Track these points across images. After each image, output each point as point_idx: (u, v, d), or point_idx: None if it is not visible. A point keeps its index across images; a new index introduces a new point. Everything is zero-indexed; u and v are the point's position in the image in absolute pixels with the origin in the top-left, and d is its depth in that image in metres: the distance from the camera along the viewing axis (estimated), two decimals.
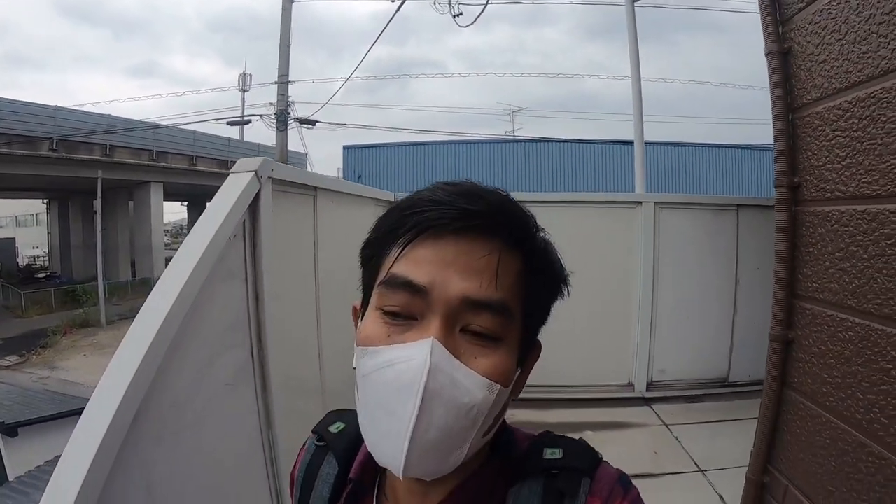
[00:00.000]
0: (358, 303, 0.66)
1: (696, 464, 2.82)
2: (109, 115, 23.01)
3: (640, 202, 3.61)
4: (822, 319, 1.59)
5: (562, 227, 3.15)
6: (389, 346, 0.55)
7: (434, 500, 0.61)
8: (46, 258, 34.24)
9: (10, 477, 7.33)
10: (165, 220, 31.87)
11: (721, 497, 2.48)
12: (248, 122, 14.74)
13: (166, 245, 30.27)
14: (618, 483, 0.59)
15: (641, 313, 3.66)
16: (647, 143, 4.01)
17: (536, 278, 0.59)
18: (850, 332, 1.46)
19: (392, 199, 3.85)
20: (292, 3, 11.31)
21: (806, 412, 1.64)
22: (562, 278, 0.63)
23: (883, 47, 1.32)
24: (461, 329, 0.55)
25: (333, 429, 0.73)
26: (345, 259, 2.86)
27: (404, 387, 0.52)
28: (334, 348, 2.71)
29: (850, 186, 1.47)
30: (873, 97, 1.36)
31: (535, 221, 0.62)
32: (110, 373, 1.30)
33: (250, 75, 23.41)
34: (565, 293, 0.64)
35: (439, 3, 9.49)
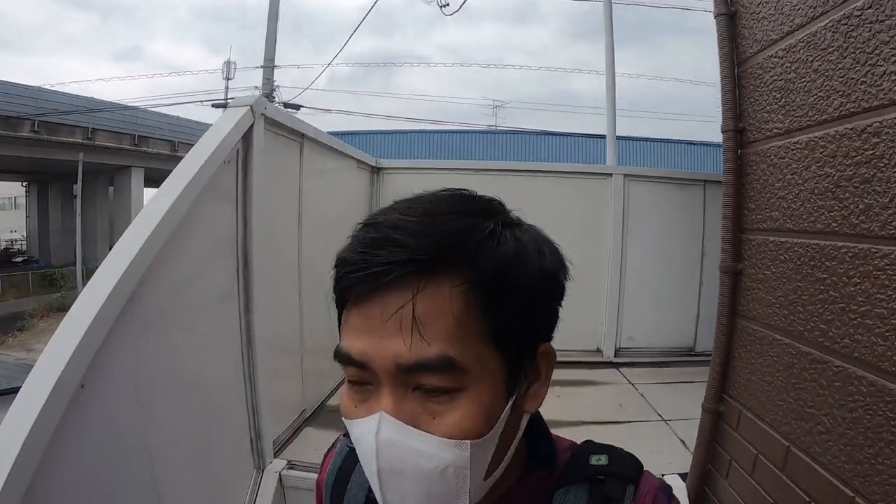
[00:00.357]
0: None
1: (658, 414, 2.95)
2: (92, 97, 22.88)
3: (611, 174, 3.77)
4: (766, 246, 1.75)
5: (534, 196, 3.37)
6: (355, 420, 0.54)
7: None
8: (24, 242, 33.75)
9: None
10: None
11: (683, 441, 2.60)
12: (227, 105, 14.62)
13: None
14: (661, 491, 0.59)
15: (610, 282, 3.80)
16: (621, 138, 4.13)
17: (494, 295, 0.51)
18: (790, 252, 1.60)
19: (374, 164, 3.97)
20: None
21: (754, 335, 1.79)
22: (550, 270, 0.57)
23: None
24: (415, 388, 0.51)
25: None
26: (329, 211, 2.99)
27: (367, 464, 0.52)
28: (315, 280, 2.80)
29: (785, 123, 1.62)
30: (802, 42, 1.52)
31: (488, 224, 0.53)
32: (101, 271, 1.40)
33: (234, 63, 23.15)
34: (565, 276, 0.59)
35: None
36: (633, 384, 3.46)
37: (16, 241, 35.52)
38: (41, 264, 27.20)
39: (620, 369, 3.71)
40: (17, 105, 20.32)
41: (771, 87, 1.70)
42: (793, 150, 1.59)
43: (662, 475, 2.05)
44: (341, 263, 0.53)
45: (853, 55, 1.28)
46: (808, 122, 1.51)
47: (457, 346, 0.49)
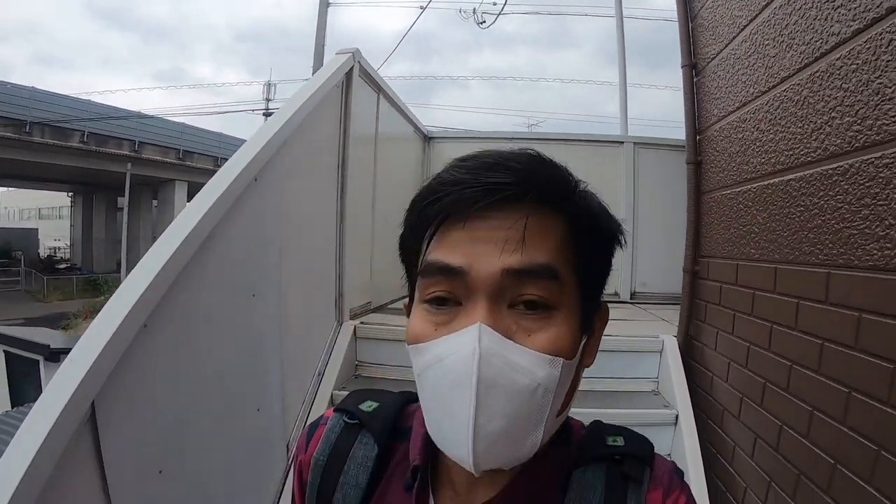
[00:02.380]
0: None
1: (662, 319, 3.45)
2: (139, 111, 24.10)
3: (622, 142, 4.41)
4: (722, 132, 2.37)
5: (560, 159, 4.14)
6: (436, 339, 0.52)
7: (500, 483, 0.57)
8: (68, 250, 35.14)
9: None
10: None
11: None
12: None
13: None
14: (674, 474, 0.59)
15: (624, 234, 4.36)
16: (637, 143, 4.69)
17: (584, 237, 0.55)
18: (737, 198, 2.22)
19: (426, 132, 4.64)
20: (328, 6, 12.47)
21: (712, 202, 2.37)
22: (613, 230, 0.59)
23: (748, 86, 2.02)
24: (510, 305, 0.51)
25: (365, 407, 0.67)
26: (393, 166, 3.64)
27: (457, 382, 0.49)
28: (386, 231, 3.38)
29: (731, 177, 2.20)
30: (743, 118, 2.08)
31: (572, 177, 0.57)
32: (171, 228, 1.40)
33: (275, 85, 24.44)
34: (622, 242, 0.60)
35: (464, 12, 10.61)
36: (644, 308, 4.01)
37: (59, 248, 37.02)
38: (84, 272, 28.32)
39: (636, 304, 4.29)
40: (68, 116, 21.48)
41: (722, 149, 2.30)
42: (730, 199, 2.20)
43: (661, 338, 2.66)
44: (444, 183, 0.53)
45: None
46: (738, 180, 2.12)
47: (558, 262, 0.52)
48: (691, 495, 0.59)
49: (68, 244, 35.06)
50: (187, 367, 1.42)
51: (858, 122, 1.34)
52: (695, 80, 2.55)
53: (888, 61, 1.23)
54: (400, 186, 3.71)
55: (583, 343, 0.55)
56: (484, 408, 0.48)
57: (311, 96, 2.24)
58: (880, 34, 1.25)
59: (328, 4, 12.83)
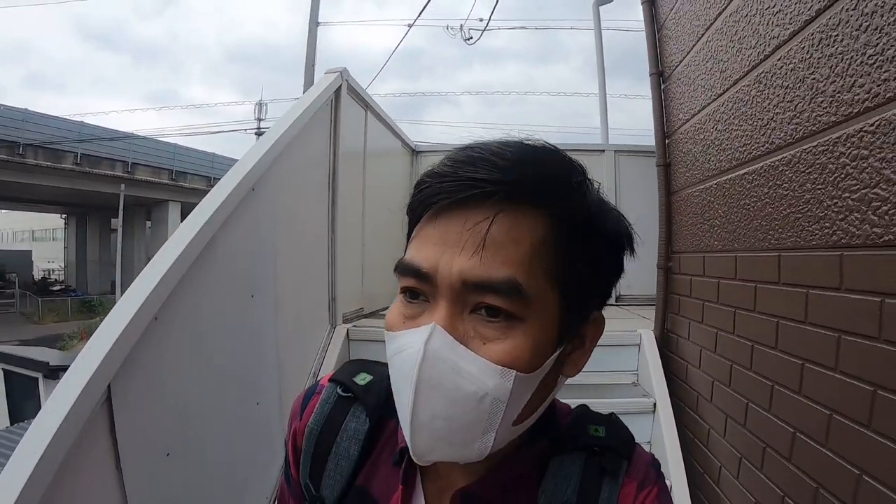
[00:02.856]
0: None
1: (643, 317, 3.54)
2: (132, 133, 24.18)
3: (603, 150, 4.56)
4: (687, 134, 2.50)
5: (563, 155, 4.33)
6: (401, 331, 0.52)
7: (478, 472, 0.58)
8: (62, 272, 35.04)
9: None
10: None
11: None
12: None
13: None
14: (651, 467, 0.60)
15: None
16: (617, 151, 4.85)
17: (573, 241, 0.51)
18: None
19: (413, 146, 4.77)
20: (318, 25, 12.69)
21: (681, 201, 2.50)
22: (614, 235, 0.56)
23: (706, 90, 2.17)
24: (472, 310, 0.50)
25: (360, 380, 0.67)
26: (381, 182, 3.75)
27: (405, 377, 0.50)
28: (376, 239, 3.55)
29: (695, 176, 2.35)
30: (703, 120, 2.22)
31: (578, 177, 0.53)
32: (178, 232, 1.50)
33: (266, 104, 24.64)
34: (631, 249, 0.58)
35: (451, 29, 10.84)
36: (626, 309, 4.13)
37: (53, 270, 36.93)
38: (78, 293, 28.23)
39: (621, 306, 4.40)
40: (60, 137, 21.55)
41: (687, 150, 2.46)
42: (696, 196, 2.35)
43: (639, 332, 2.77)
44: (429, 175, 0.52)
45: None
46: (702, 178, 2.26)
47: (526, 274, 0.48)
48: (664, 488, 0.59)
49: (62, 266, 35.00)
50: (193, 359, 1.51)
51: (797, 115, 1.47)
52: (662, 86, 2.70)
53: (819, 58, 1.36)
54: (389, 198, 3.82)
55: (555, 354, 0.53)
56: (424, 407, 0.49)
57: (301, 114, 2.36)
58: (811, 34, 1.39)
59: (318, 24, 13.07)
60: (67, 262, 33.25)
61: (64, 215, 33.20)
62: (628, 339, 2.80)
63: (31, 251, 36.88)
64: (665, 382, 2.53)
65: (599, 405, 2.44)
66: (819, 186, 1.39)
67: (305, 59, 12.73)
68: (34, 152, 20.97)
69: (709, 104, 2.13)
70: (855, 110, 1.23)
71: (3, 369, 9.84)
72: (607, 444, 0.60)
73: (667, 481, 0.61)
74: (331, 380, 0.69)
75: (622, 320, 3.45)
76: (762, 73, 1.67)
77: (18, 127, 20.33)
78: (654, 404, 2.47)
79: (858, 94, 1.21)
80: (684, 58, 2.38)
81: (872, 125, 1.16)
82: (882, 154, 1.13)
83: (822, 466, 1.35)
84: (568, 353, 0.56)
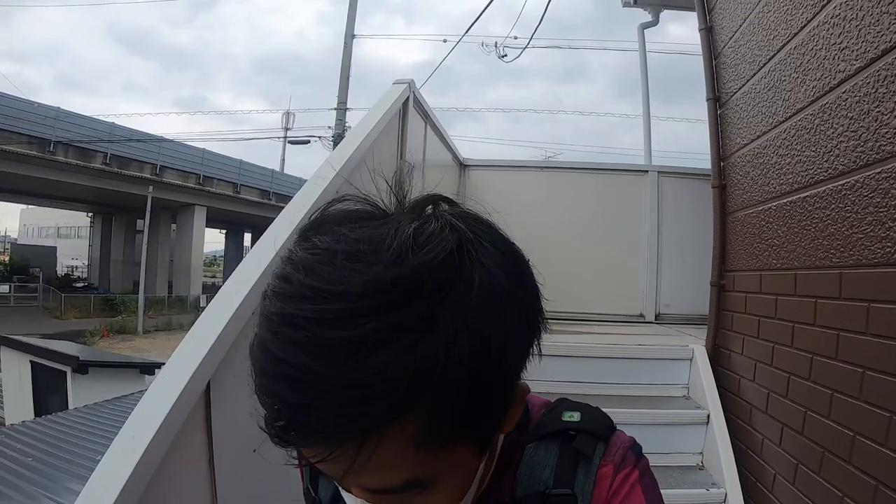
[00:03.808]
0: None
1: (688, 334, 3.64)
2: (161, 136, 24.83)
3: (647, 171, 4.71)
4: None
5: (585, 189, 4.49)
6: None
7: None
8: (85, 269, 35.94)
9: (71, 407, 8.40)
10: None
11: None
12: (307, 141, 16.22)
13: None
14: (630, 450, 0.59)
15: (649, 261, 4.55)
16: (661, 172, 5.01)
17: (462, 410, 0.45)
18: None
19: (462, 160, 4.98)
20: (353, 38, 13.13)
21: (736, 222, 2.67)
22: (510, 349, 0.48)
23: (767, 117, 2.35)
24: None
25: None
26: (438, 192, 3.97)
27: None
28: None
29: (753, 198, 2.53)
30: (763, 145, 2.41)
31: (429, 345, 0.42)
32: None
33: (293, 114, 25.32)
34: (538, 313, 0.52)
35: (486, 45, 11.14)
36: (668, 326, 4.26)
37: (76, 267, 37.94)
38: (100, 291, 29.02)
39: (661, 324, 4.53)
40: (91, 137, 22.31)
41: (744, 174, 2.65)
42: (752, 219, 2.51)
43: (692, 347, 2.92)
44: (269, 409, 0.44)
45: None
46: (759, 200, 2.45)
47: (423, 465, 0.45)
48: (648, 470, 0.59)
49: (86, 263, 35.92)
50: None
51: (861, 144, 1.65)
52: (718, 112, 2.88)
53: (884, 93, 1.54)
54: None
55: (482, 464, 0.53)
56: None
57: (376, 124, 2.49)
58: (877, 71, 1.57)
59: (353, 36, 13.51)
60: (91, 259, 34.15)
61: (90, 214, 34.10)
62: (680, 353, 2.96)
63: (55, 247, 37.85)
64: (717, 395, 2.68)
65: (650, 416, 2.64)
66: (882, 210, 1.56)
67: (341, 70, 13.14)
68: (64, 150, 21.71)
69: (769, 130, 2.31)
70: None
71: (31, 361, 10.16)
72: (581, 428, 0.60)
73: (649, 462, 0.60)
74: None
75: (667, 336, 3.60)
76: (826, 103, 1.85)
77: (50, 125, 21.08)
78: (708, 416, 2.62)
79: None
80: (744, 85, 2.57)
81: None
82: None
83: (882, 464, 1.51)
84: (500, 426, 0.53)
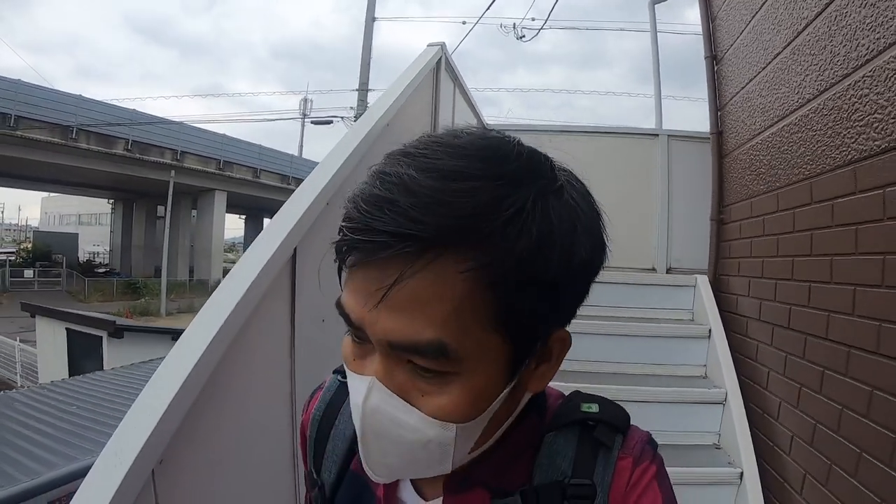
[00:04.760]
0: None
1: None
2: (182, 122, 25.55)
3: (657, 134, 5.09)
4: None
5: (598, 152, 4.94)
6: (351, 373, 0.54)
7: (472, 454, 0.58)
8: (107, 255, 36.97)
9: (106, 368, 9.12)
10: None
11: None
12: (330, 121, 16.68)
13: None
14: (647, 444, 0.60)
15: (660, 217, 4.86)
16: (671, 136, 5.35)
17: (511, 292, 0.47)
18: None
19: (484, 124, 5.38)
20: (374, 20, 13.55)
21: (733, 163, 3.08)
22: (574, 265, 0.50)
23: (752, 66, 2.87)
24: (408, 360, 0.49)
25: None
26: None
27: (355, 423, 0.53)
28: None
29: (743, 137, 2.97)
30: (750, 90, 2.73)
31: (522, 204, 0.46)
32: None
33: (311, 100, 25.80)
34: (600, 262, 0.55)
35: (504, 27, 11.52)
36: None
37: (97, 253, 39.01)
38: (122, 276, 29.83)
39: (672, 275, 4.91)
40: (113, 122, 22.89)
41: (738, 117, 3.09)
42: (746, 154, 2.91)
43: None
44: (346, 218, 0.48)
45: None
46: (750, 135, 2.82)
47: (454, 332, 0.46)
48: (662, 466, 0.59)
49: (107, 249, 36.93)
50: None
51: (821, 74, 2.09)
52: (715, 68, 3.31)
53: (835, 30, 1.98)
54: None
55: (506, 391, 0.52)
56: (374, 450, 0.52)
57: (409, 82, 2.56)
58: (829, 13, 2.00)
59: (374, 19, 13.92)
60: (113, 245, 35.09)
61: (111, 200, 34.94)
62: (685, 281, 3.40)
63: (77, 234, 38.93)
64: (719, 315, 3.11)
65: (659, 330, 3.09)
66: (837, 123, 1.99)
67: (362, 52, 13.58)
68: (86, 137, 22.33)
69: (754, 77, 2.76)
70: (858, 64, 1.84)
71: (66, 329, 10.83)
72: (601, 418, 0.60)
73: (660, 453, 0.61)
74: (334, 372, 0.73)
75: (676, 275, 4.02)
76: (796, 45, 2.30)
77: (71, 112, 21.74)
78: (709, 331, 3.06)
79: (854, 54, 1.82)
80: (734, 41, 3.02)
81: (870, 73, 1.77)
82: (877, 90, 1.74)
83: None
84: (533, 368, 0.55)
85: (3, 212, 48.77)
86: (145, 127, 23.68)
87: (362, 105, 13.55)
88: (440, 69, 3.32)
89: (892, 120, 1.66)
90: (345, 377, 0.60)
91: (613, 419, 0.61)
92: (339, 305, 0.52)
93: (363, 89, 13.63)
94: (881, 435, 1.68)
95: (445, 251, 0.45)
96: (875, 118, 1.74)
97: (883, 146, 1.70)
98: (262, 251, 1.28)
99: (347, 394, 0.58)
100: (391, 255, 0.44)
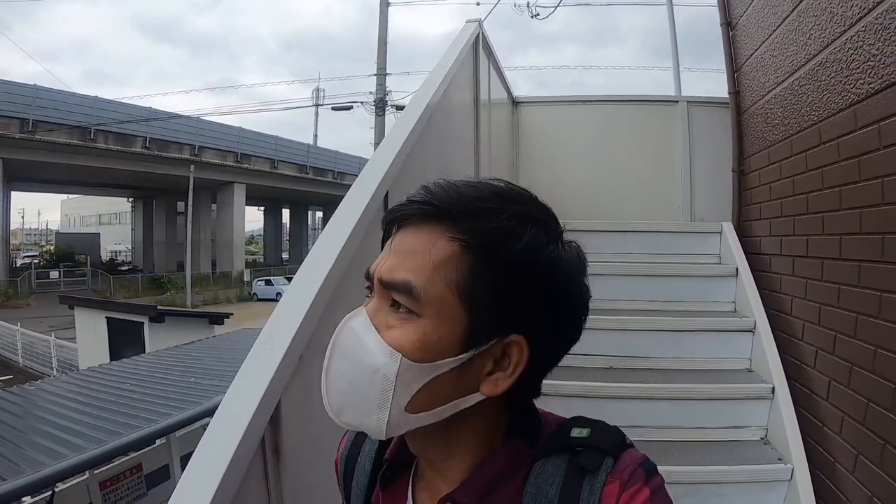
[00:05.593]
0: None
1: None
2: (198, 117, 26.10)
3: (678, 101, 5.35)
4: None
5: (624, 118, 5.30)
6: None
7: (454, 478, 0.66)
8: (129, 254, 37.92)
9: (148, 350, 9.78)
10: None
11: None
12: (350, 107, 17.08)
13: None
14: (640, 468, 0.61)
15: (682, 177, 5.06)
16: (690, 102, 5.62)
17: (478, 266, 0.60)
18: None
19: (514, 97, 5.70)
20: (389, 5, 13.91)
21: (751, 118, 3.46)
22: (532, 268, 0.60)
23: (764, 29, 3.23)
24: (392, 304, 0.62)
25: None
26: (492, 128, 4.09)
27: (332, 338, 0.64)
28: None
29: (758, 94, 3.32)
30: (763, 51, 3.28)
31: (496, 205, 0.61)
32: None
33: (323, 90, 26.29)
34: (562, 304, 0.63)
35: (518, 6, 11.78)
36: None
37: (119, 252, 40.03)
38: (145, 273, 30.56)
39: None
40: (131, 119, 23.57)
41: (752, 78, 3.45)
42: (761, 109, 3.31)
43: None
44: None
45: None
46: (765, 94, 3.20)
47: (423, 280, 0.59)
48: (661, 489, 0.60)
49: (129, 248, 37.89)
50: None
51: (822, 32, 2.46)
52: (730, 34, 3.69)
53: None
54: (498, 151, 4.35)
55: (455, 358, 0.60)
56: (334, 367, 0.63)
57: (455, 58, 2.74)
58: None
59: (388, 4, 14.24)
60: (134, 243, 36.15)
61: (131, 199, 35.81)
62: (711, 228, 3.80)
63: (98, 234, 39.99)
64: (744, 257, 3.49)
65: (688, 270, 3.50)
66: (841, 73, 2.37)
67: (378, 37, 13.93)
68: (105, 137, 23.00)
69: (766, 39, 3.14)
70: (853, 21, 2.23)
71: (106, 317, 11.51)
72: (588, 444, 0.63)
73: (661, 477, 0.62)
74: None
75: (703, 224, 4.37)
76: (801, 8, 2.68)
77: (89, 113, 22.38)
78: (736, 269, 3.44)
79: (849, 13, 2.20)
80: (748, 7, 3.39)
81: (863, 28, 2.15)
82: (869, 41, 2.12)
83: None
84: (489, 371, 0.62)
85: (23, 216, 49.79)
86: (162, 124, 24.30)
87: (381, 89, 13.92)
88: (478, 47, 3.54)
89: (882, 65, 2.04)
90: None
91: (601, 443, 0.63)
92: (366, 271, 0.66)
93: (381, 73, 14.00)
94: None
95: (445, 222, 0.61)
96: (868, 65, 2.13)
97: (876, 87, 2.08)
98: (361, 195, 1.53)
99: (366, 436, 0.76)
100: (406, 222, 0.63)
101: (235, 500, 0.90)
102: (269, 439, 1.03)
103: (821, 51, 2.52)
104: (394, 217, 0.65)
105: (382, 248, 0.66)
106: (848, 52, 2.29)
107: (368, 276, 0.65)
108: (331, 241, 1.35)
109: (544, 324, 0.62)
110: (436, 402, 0.61)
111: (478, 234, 0.60)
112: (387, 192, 1.66)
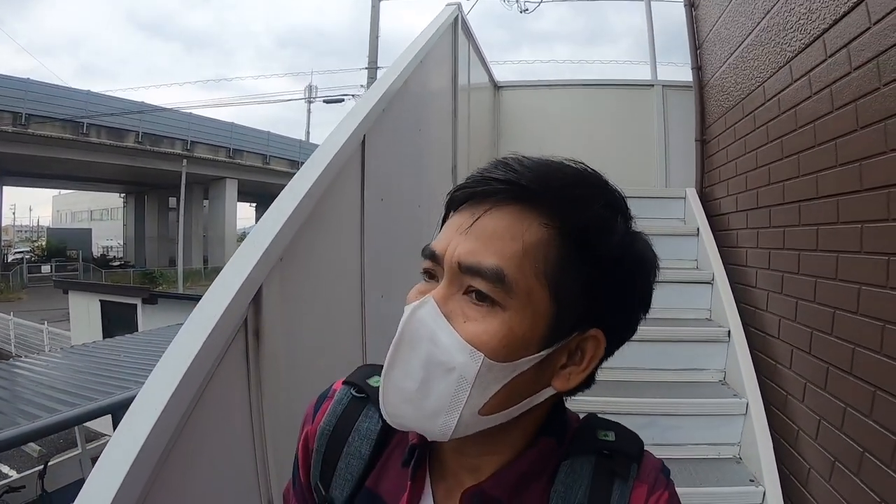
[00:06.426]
0: None
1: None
2: (190, 113, 26.20)
3: (653, 85, 5.55)
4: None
5: (603, 101, 5.54)
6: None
7: (485, 473, 0.63)
8: (120, 249, 37.98)
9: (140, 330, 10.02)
10: None
11: None
12: (342, 100, 17.28)
13: None
14: (661, 473, 0.63)
15: (659, 156, 5.25)
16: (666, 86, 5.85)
17: (570, 255, 0.56)
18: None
19: (496, 82, 5.97)
20: (380, 0, 14.16)
21: (713, 100, 3.72)
22: (625, 262, 0.59)
23: (717, 9, 3.49)
24: (465, 291, 0.56)
25: (373, 382, 0.69)
26: (473, 112, 4.14)
27: (399, 327, 0.57)
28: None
29: (716, 65, 3.58)
30: (719, 26, 3.54)
31: (589, 191, 0.59)
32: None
33: (316, 87, 26.43)
34: (639, 300, 0.62)
35: (507, 1, 11.99)
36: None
37: (111, 247, 40.08)
38: (137, 268, 30.59)
39: None
40: (123, 112, 23.52)
41: (711, 52, 3.70)
42: (719, 84, 3.59)
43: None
44: (466, 178, 0.60)
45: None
46: (723, 68, 3.52)
47: (514, 267, 0.54)
48: (675, 493, 0.63)
49: (121, 243, 37.86)
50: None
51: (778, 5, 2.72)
52: (693, 13, 3.98)
53: None
54: (478, 132, 4.42)
55: (536, 355, 0.56)
56: (399, 363, 0.57)
57: (430, 38, 2.76)
58: None
59: None
60: (126, 238, 35.95)
61: (123, 194, 35.75)
62: (676, 193, 4.06)
63: (90, 229, 40.01)
64: (706, 218, 3.75)
65: (659, 229, 3.75)
66: (779, 34, 2.62)
67: (370, 31, 14.11)
68: (97, 131, 22.97)
69: (722, 14, 3.43)
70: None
71: (100, 300, 11.84)
72: (617, 448, 0.64)
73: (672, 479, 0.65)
74: (344, 382, 0.74)
75: (669, 189, 4.63)
76: None
77: (81, 108, 22.37)
78: (698, 229, 3.69)
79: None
80: None
81: None
82: (799, 2, 2.38)
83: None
84: (562, 365, 0.60)
85: (14, 213, 49.65)
86: (155, 118, 24.35)
87: (372, 83, 13.90)
88: (458, 26, 3.56)
89: (810, 21, 2.30)
90: (359, 391, 0.71)
91: (629, 448, 0.64)
92: (425, 249, 0.60)
93: (372, 67, 14.19)
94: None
95: (532, 204, 0.56)
96: (798, 24, 2.40)
97: (805, 41, 2.35)
98: (339, 135, 1.64)
99: (362, 410, 0.70)
100: (486, 198, 0.57)
101: (216, 374, 0.97)
102: (251, 321, 1.13)
103: (764, 16, 2.79)
104: (472, 193, 0.59)
105: (442, 225, 0.62)
106: (784, 14, 2.55)
107: (432, 256, 0.59)
108: (314, 164, 1.49)
109: (621, 318, 0.61)
110: (511, 402, 0.58)
111: (572, 221, 0.56)
112: (364, 136, 1.79)
